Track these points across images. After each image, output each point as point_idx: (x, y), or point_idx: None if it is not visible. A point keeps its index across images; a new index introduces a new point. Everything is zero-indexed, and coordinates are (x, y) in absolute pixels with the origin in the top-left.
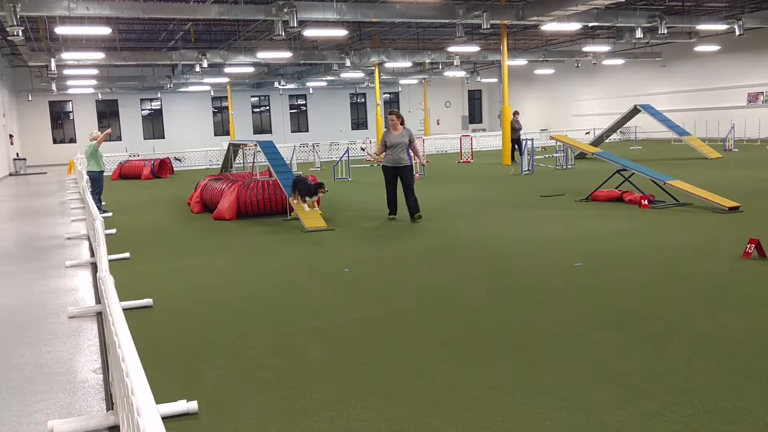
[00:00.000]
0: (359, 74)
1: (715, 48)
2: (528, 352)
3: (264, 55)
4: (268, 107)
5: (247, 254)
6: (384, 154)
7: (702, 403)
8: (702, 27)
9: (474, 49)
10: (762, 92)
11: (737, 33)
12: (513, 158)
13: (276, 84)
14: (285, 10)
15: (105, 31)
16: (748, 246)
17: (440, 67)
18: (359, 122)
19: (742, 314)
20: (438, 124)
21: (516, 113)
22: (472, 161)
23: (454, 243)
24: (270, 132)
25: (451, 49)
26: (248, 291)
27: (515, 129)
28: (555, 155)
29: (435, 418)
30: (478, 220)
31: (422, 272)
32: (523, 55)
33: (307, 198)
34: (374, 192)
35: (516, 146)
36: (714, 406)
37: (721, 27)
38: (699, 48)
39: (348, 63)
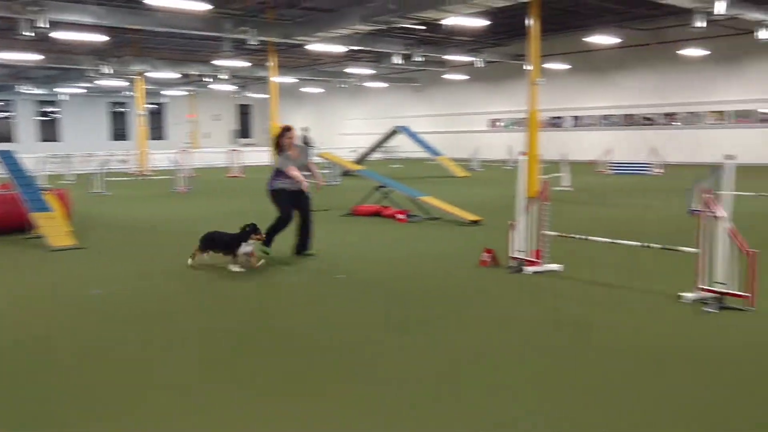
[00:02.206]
0: (120, 82)
1: (463, 77)
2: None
3: (5, 56)
4: (10, 113)
5: None
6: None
7: (433, 406)
8: (450, 57)
9: (243, 64)
10: (500, 119)
11: (479, 65)
12: None
13: (20, 88)
14: (32, 8)
15: None
16: (484, 255)
17: (208, 79)
18: (119, 133)
19: (477, 317)
20: (207, 137)
21: (306, 128)
22: (243, 176)
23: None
24: (11, 141)
25: (219, 62)
26: None
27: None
28: (322, 172)
29: None
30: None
31: (180, 293)
32: (292, 72)
33: (240, 250)
34: (133, 206)
35: None
36: (453, 404)
37: (467, 59)
38: (449, 76)
39: (106, 70)
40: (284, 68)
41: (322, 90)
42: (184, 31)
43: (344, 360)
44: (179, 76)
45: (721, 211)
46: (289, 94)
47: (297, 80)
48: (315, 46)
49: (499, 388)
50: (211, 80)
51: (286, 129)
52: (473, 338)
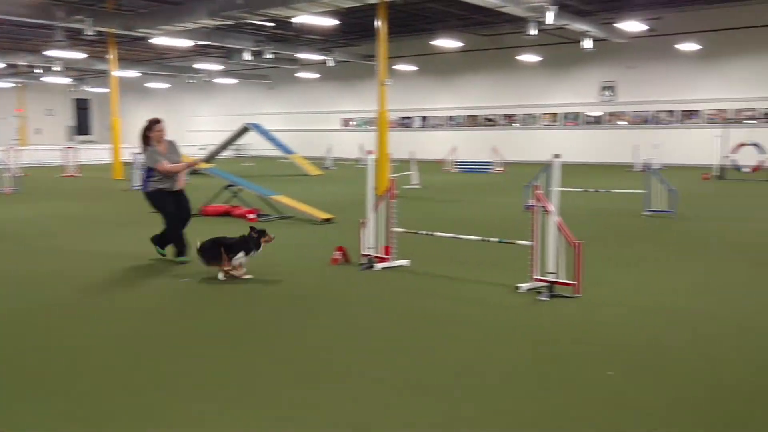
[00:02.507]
0: None
1: (314, 76)
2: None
3: None
4: None
5: None
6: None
7: (286, 401)
8: (301, 56)
9: (79, 55)
10: (352, 118)
11: (329, 64)
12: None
13: None
14: None
15: None
16: (336, 253)
17: (40, 71)
18: None
19: (332, 315)
20: (38, 133)
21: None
22: (80, 175)
23: (56, 263)
24: None
25: (51, 53)
26: None
27: None
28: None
29: None
30: (78, 238)
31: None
32: (135, 66)
33: (244, 255)
34: None
35: None
36: (302, 399)
37: (318, 57)
38: (301, 74)
39: None
40: (127, 61)
41: (167, 85)
42: (9, 18)
43: (166, 371)
44: (3, 66)
45: (551, 206)
46: (133, 89)
47: (141, 74)
48: (160, 40)
49: (352, 388)
50: (42, 72)
51: (155, 122)
52: (325, 337)
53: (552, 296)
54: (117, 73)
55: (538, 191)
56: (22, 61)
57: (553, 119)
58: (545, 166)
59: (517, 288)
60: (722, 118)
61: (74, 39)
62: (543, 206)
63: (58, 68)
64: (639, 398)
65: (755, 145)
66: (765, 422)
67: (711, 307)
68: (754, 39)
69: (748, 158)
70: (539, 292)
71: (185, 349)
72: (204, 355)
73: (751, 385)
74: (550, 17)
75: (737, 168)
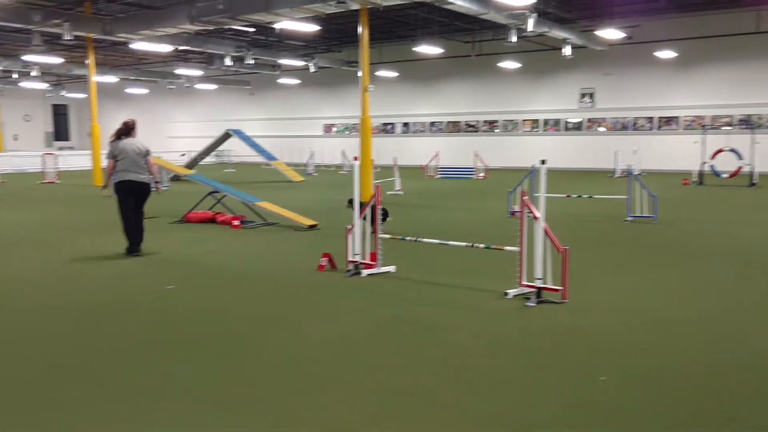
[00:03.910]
0: None
1: (295, 81)
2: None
3: None
4: None
5: None
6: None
7: (276, 409)
8: (282, 61)
9: (56, 60)
10: (334, 124)
11: (311, 70)
12: None
13: None
14: None
15: None
16: (322, 260)
17: (16, 76)
18: None
19: (320, 322)
20: (15, 140)
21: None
22: (58, 181)
23: (45, 270)
24: None
25: (28, 58)
26: None
27: None
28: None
29: None
30: (60, 246)
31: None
32: (114, 71)
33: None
34: None
35: None
36: (292, 406)
37: (299, 63)
38: (282, 80)
39: None
40: (105, 66)
41: (146, 91)
42: None
43: (154, 379)
44: None
45: (537, 212)
46: (112, 95)
47: (119, 80)
48: (139, 45)
49: (341, 394)
50: (19, 77)
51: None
52: (313, 344)
53: (540, 302)
54: (96, 78)
55: (525, 197)
56: None
57: (534, 125)
58: (529, 172)
59: (506, 294)
60: (700, 125)
61: (52, 43)
62: (530, 212)
63: (36, 73)
64: (630, 403)
65: (733, 151)
66: (755, 424)
67: (696, 311)
68: (729, 46)
69: (726, 164)
70: (527, 298)
71: (172, 356)
72: (191, 361)
73: (741, 387)
74: (530, 24)
75: (716, 174)
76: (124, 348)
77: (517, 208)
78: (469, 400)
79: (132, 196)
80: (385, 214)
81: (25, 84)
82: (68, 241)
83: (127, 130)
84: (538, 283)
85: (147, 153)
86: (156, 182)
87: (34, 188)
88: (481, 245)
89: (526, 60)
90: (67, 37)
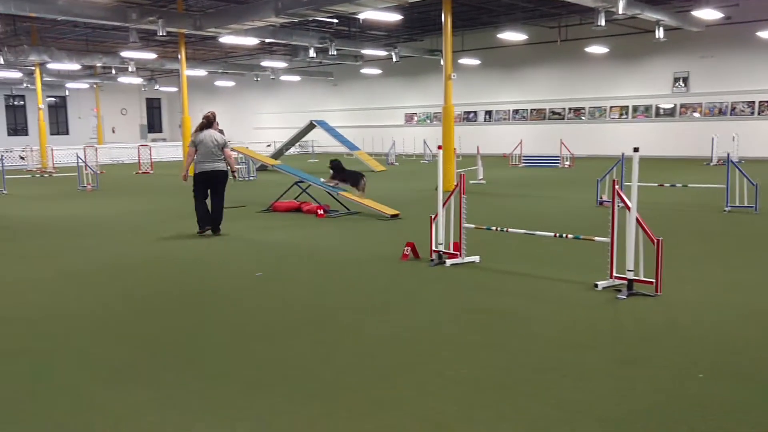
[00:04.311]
0: (16, 74)
1: (377, 71)
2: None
3: None
4: None
5: None
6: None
7: (367, 396)
8: (365, 52)
9: (151, 56)
10: (416, 113)
11: (394, 60)
12: None
13: None
14: None
15: None
16: (405, 249)
17: (114, 72)
18: (17, 128)
19: (406, 311)
20: (113, 132)
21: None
22: (152, 172)
23: (136, 259)
24: None
25: (125, 54)
26: None
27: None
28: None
29: None
30: (154, 231)
31: (82, 295)
32: (203, 65)
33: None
34: (32, 206)
35: None
36: (376, 397)
37: (382, 53)
38: (365, 71)
39: (0, 60)
40: (195, 61)
41: (233, 83)
42: (87, 20)
43: (253, 356)
44: (79, 67)
45: (629, 201)
46: (201, 88)
47: (208, 73)
48: (227, 39)
49: (428, 385)
50: (115, 72)
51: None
52: (399, 333)
53: (631, 294)
54: (187, 72)
55: (616, 186)
56: (98, 62)
57: (623, 112)
58: (618, 160)
59: (595, 286)
60: None
61: (147, 40)
62: (621, 202)
63: (132, 68)
64: (729, 400)
65: None
66: None
67: None
68: None
69: None
70: (618, 290)
71: (267, 343)
72: (280, 343)
73: None
74: (621, 6)
75: None
76: (218, 333)
77: (606, 197)
78: (557, 391)
79: (207, 184)
80: (357, 177)
81: (123, 79)
82: (164, 226)
83: (208, 123)
84: (630, 275)
85: (224, 145)
86: (232, 171)
87: (131, 178)
88: (570, 236)
89: (614, 44)
90: (161, 33)
